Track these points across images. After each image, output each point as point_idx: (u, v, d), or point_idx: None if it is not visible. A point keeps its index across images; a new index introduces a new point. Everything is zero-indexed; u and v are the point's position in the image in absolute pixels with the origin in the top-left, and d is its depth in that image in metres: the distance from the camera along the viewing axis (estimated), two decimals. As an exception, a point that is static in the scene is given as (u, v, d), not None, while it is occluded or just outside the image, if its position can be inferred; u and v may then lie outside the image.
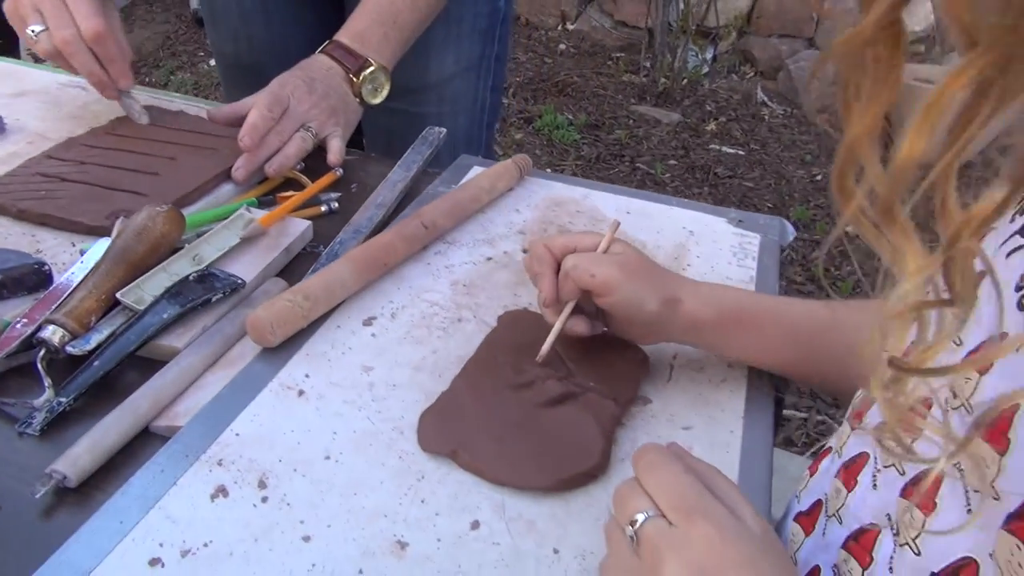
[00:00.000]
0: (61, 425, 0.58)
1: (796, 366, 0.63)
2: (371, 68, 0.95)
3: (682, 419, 0.62)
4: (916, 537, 0.39)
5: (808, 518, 0.51)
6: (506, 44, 1.21)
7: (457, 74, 1.13)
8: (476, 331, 0.69)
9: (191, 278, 0.69)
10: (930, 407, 0.40)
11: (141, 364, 0.64)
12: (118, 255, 0.69)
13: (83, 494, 0.54)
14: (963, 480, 0.37)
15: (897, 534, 0.41)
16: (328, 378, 0.62)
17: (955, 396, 0.39)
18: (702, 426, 0.61)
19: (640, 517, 0.42)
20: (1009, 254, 0.41)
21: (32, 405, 0.59)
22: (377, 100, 0.98)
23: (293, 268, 0.78)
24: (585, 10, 3.83)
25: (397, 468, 0.55)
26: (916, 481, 0.41)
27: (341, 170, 0.94)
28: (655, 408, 0.63)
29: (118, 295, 0.66)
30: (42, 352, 0.62)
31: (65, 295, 0.66)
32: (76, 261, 0.71)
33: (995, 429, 0.36)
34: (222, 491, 0.52)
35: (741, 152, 3.00)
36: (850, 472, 0.47)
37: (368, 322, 0.69)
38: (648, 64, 3.35)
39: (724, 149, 3.01)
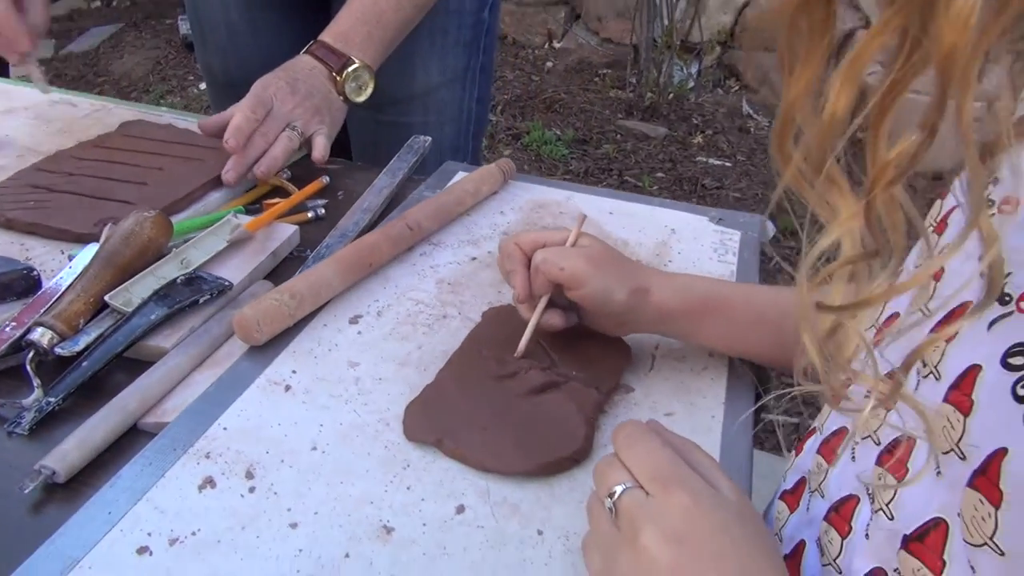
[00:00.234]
0: (50, 424, 0.59)
1: (767, 351, 0.64)
2: (354, 66, 0.96)
3: (664, 406, 0.63)
4: (889, 502, 0.40)
5: (793, 496, 0.52)
6: (491, 56, 1.22)
7: (443, 84, 1.15)
8: (461, 327, 0.70)
9: (179, 281, 0.70)
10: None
11: (129, 365, 0.64)
12: (106, 259, 0.70)
13: (71, 490, 0.54)
14: (929, 454, 0.38)
15: (873, 500, 0.41)
16: (315, 373, 0.63)
17: (924, 365, 0.40)
18: (684, 412, 0.62)
19: (618, 489, 0.42)
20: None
21: (21, 405, 0.59)
22: (361, 98, 0.99)
23: (280, 272, 0.79)
24: (571, 28, 3.87)
25: (383, 457, 0.56)
26: (890, 449, 0.42)
27: (328, 177, 0.96)
28: (637, 396, 0.64)
29: (106, 298, 0.67)
30: (31, 354, 0.62)
31: (54, 299, 0.67)
32: (65, 266, 0.72)
33: (959, 391, 0.37)
34: (210, 482, 0.53)
35: (728, 163, 3.03)
36: (830, 446, 0.48)
37: (354, 320, 0.70)
38: (634, 80, 3.38)
39: (711, 161, 3.04)
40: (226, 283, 0.71)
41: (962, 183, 0.32)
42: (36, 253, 0.77)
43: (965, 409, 0.36)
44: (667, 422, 0.61)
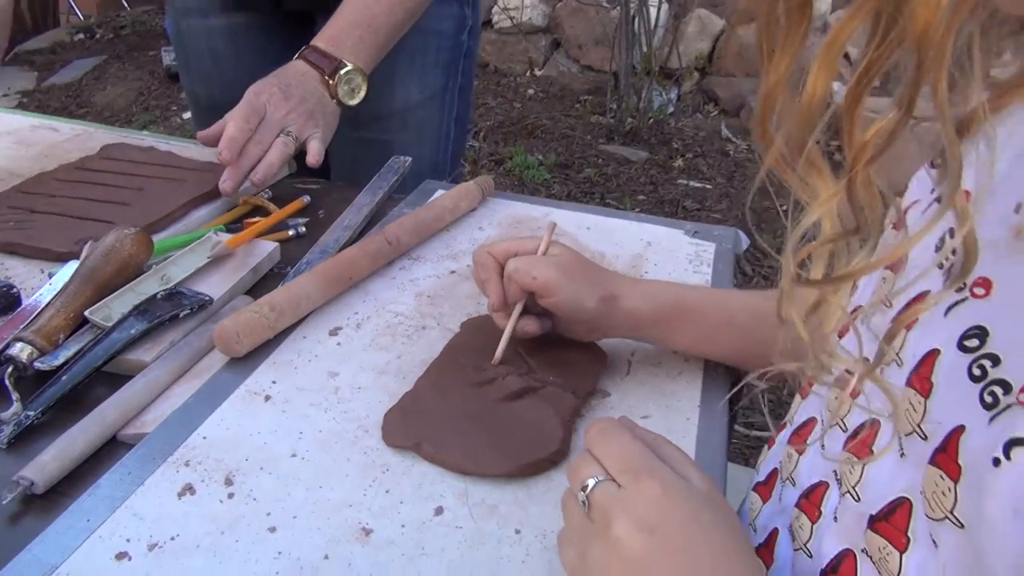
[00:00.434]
0: (29, 438, 0.59)
1: (739, 353, 0.65)
2: (346, 69, 0.96)
3: (640, 409, 0.64)
4: (856, 485, 0.41)
5: (765, 487, 0.53)
6: (469, 78, 1.24)
7: (422, 103, 1.17)
8: (440, 338, 0.71)
9: (159, 296, 0.71)
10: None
11: (109, 379, 0.65)
12: (86, 275, 0.70)
13: (50, 500, 0.54)
14: (895, 432, 0.39)
15: (840, 484, 0.43)
16: (294, 384, 0.64)
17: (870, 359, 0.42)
18: (660, 415, 0.63)
19: (591, 482, 0.43)
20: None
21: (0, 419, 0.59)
22: (354, 101, 0.99)
23: (261, 288, 0.80)
24: (552, 56, 3.93)
25: (362, 463, 0.56)
26: (856, 434, 0.43)
27: (308, 197, 0.97)
28: (614, 400, 0.64)
29: (86, 313, 0.68)
30: (10, 369, 0.63)
31: (34, 315, 0.67)
32: (45, 283, 0.73)
33: (920, 375, 0.38)
34: (189, 489, 0.53)
35: (708, 186, 3.07)
36: (800, 436, 0.49)
37: (334, 332, 0.71)
38: (615, 106, 3.43)
39: (692, 184, 3.08)
40: (206, 298, 0.72)
41: (930, 173, 0.33)
42: (16, 272, 0.78)
43: (925, 392, 0.37)
44: (643, 425, 0.62)
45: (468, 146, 3.21)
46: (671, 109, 3.52)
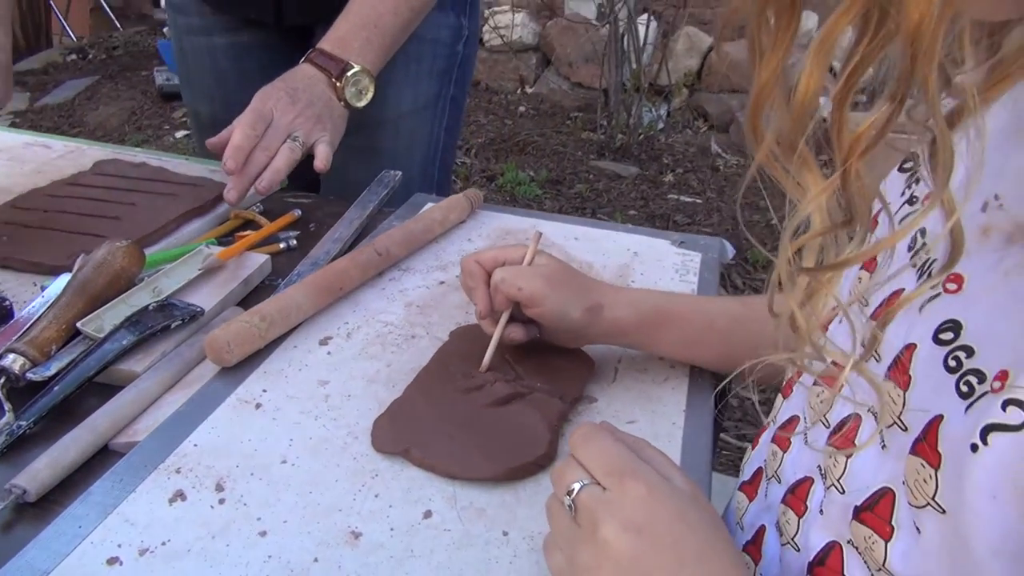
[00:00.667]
0: (21, 448, 0.60)
1: (718, 358, 0.67)
2: (353, 70, 0.96)
3: (627, 415, 0.64)
4: (840, 477, 0.42)
5: (751, 486, 0.54)
6: (463, 89, 1.24)
7: (414, 111, 1.17)
8: (429, 346, 0.72)
9: (150, 307, 0.72)
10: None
11: (101, 390, 0.65)
12: (78, 287, 0.71)
13: (42, 508, 0.55)
14: (877, 421, 0.40)
15: (825, 478, 0.44)
16: (285, 392, 0.65)
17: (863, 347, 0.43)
18: (646, 420, 0.64)
19: (576, 486, 0.44)
20: (901, 221, 0.46)
21: (-8, 429, 0.60)
22: (362, 103, 0.99)
23: (252, 300, 0.80)
24: (543, 74, 3.96)
25: (352, 468, 0.57)
26: (839, 429, 0.44)
27: (299, 211, 0.98)
28: (600, 406, 0.65)
29: (78, 324, 0.68)
30: (2, 379, 0.63)
31: (26, 327, 0.68)
32: (37, 296, 0.73)
33: (898, 369, 0.39)
34: (180, 495, 0.54)
35: (699, 200, 3.09)
36: (784, 434, 0.50)
37: (324, 341, 0.72)
38: (605, 122, 3.46)
39: (682, 198, 3.10)
40: (198, 309, 0.73)
41: (923, 157, 0.34)
42: (9, 285, 0.78)
43: (904, 385, 0.39)
44: (630, 430, 0.63)
45: (460, 163, 3.23)
46: (661, 125, 3.55)
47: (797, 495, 0.46)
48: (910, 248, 0.44)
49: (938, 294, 0.39)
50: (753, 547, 0.50)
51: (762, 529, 0.50)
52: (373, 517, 0.53)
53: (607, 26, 3.29)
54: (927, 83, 0.29)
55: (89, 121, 3.55)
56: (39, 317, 0.69)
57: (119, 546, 0.50)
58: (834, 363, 0.39)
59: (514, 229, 0.95)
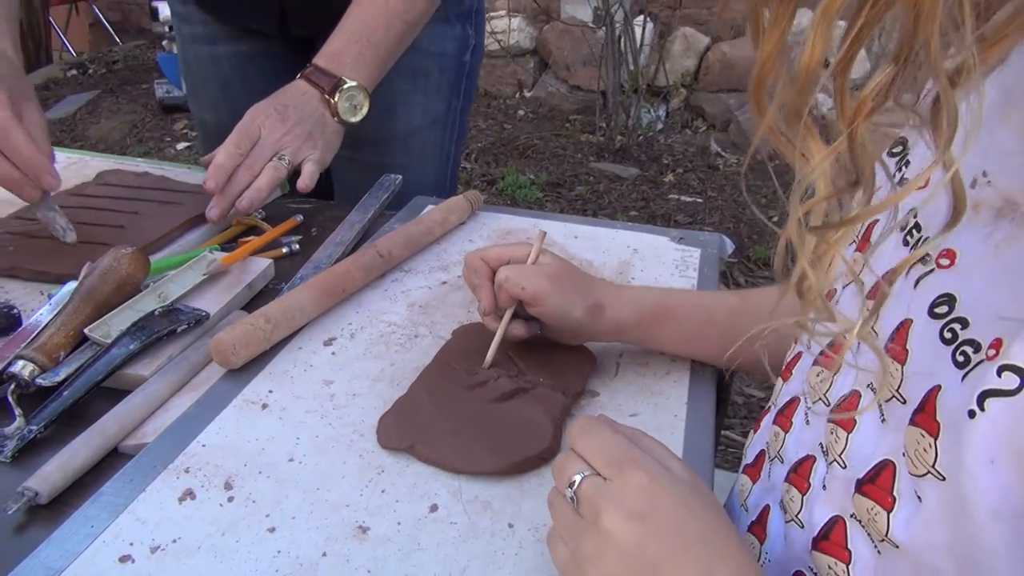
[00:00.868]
0: (32, 452, 0.61)
1: (718, 352, 0.67)
2: (346, 85, 0.95)
3: (629, 408, 0.65)
4: (842, 453, 0.43)
5: (754, 468, 0.55)
6: (470, 97, 1.24)
7: (424, 127, 1.17)
8: (432, 345, 0.72)
9: (156, 313, 0.72)
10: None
11: (109, 394, 0.66)
12: (85, 294, 0.72)
13: (54, 510, 0.56)
14: (876, 396, 0.41)
15: (827, 454, 0.44)
16: (291, 392, 0.65)
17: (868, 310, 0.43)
18: (648, 413, 0.65)
19: (577, 478, 0.44)
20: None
21: (3, 434, 0.61)
22: (356, 118, 0.97)
23: (256, 304, 0.81)
24: (541, 77, 3.98)
25: (358, 465, 0.58)
26: (839, 406, 0.45)
27: (301, 216, 0.99)
28: (603, 400, 0.66)
29: (86, 331, 0.69)
30: (13, 385, 0.64)
31: (34, 333, 0.69)
32: (44, 304, 0.74)
33: (895, 344, 0.40)
34: (189, 494, 0.55)
35: (699, 200, 3.10)
36: (785, 415, 0.51)
37: (328, 342, 0.72)
38: (604, 124, 3.47)
39: (683, 198, 3.11)
40: (203, 313, 0.74)
41: (922, 132, 0.34)
42: (16, 294, 0.79)
43: (902, 359, 0.40)
44: (632, 422, 0.63)
45: (460, 168, 3.24)
46: (660, 126, 3.57)
47: (800, 473, 0.47)
48: (902, 228, 0.45)
49: (931, 270, 0.40)
50: (758, 527, 0.50)
51: (766, 509, 0.50)
52: (380, 512, 0.54)
53: (603, 29, 3.30)
54: (929, 44, 0.30)
55: (91, 135, 3.57)
56: (47, 324, 0.70)
57: (131, 544, 0.51)
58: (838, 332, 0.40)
59: (514, 229, 0.96)
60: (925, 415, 0.37)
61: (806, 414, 0.49)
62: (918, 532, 0.36)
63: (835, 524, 0.42)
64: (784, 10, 0.34)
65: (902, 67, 0.31)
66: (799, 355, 0.53)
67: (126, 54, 4.54)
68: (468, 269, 0.68)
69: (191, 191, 1.00)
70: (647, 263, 0.89)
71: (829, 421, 0.45)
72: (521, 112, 3.82)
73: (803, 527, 0.45)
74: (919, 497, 0.36)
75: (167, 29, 3.32)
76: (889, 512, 0.38)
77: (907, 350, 0.39)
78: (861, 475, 0.40)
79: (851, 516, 0.41)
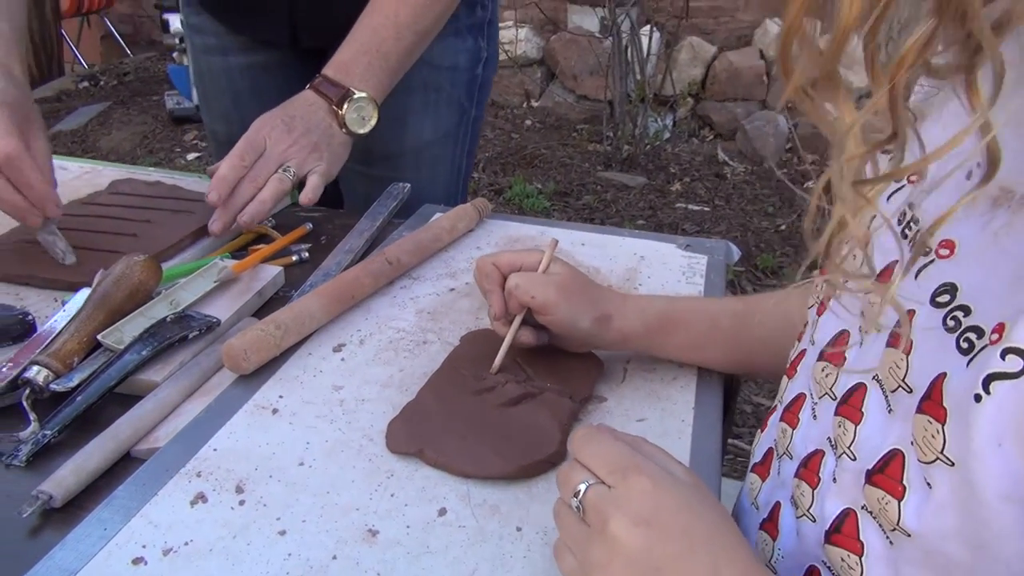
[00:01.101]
0: (46, 456, 0.61)
1: (725, 358, 0.68)
2: (355, 96, 0.94)
3: (636, 413, 0.66)
4: (850, 445, 0.43)
5: (763, 466, 0.55)
6: (482, 109, 1.23)
7: (435, 141, 1.16)
8: (440, 351, 0.73)
9: (168, 319, 0.73)
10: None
11: (122, 399, 0.67)
12: (98, 301, 0.73)
13: (68, 514, 0.56)
14: (882, 387, 0.42)
15: (836, 448, 0.45)
16: (301, 397, 0.66)
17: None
18: (655, 418, 0.65)
19: (582, 487, 0.45)
20: (889, 197, 0.47)
21: (18, 438, 0.62)
22: (364, 130, 0.96)
23: (267, 311, 0.82)
24: (548, 87, 3.99)
25: (367, 469, 0.58)
26: (846, 399, 0.45)
27: (311, 224, 1.00)
28: (610, 405, 0.67)
29: (99, 337, 0.70)
30: (27, 391, 0.65)
31: (49, 340, 0.70)
32: (58, 311, 0.75)
33: (900, 336, 0.41)
34: (201, 497, 0.55)
35: (707, 209, 3.10)
36: (792, 412, 0.52)
37: (338, 348, 0.73)
38: (611, 133, 3.48)
39: (690, 207, 3.11)
40: (214, 320, 0.74)
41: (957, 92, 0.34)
42: (31, 301, 0.80)
43: (907, 349, 0.40)
44: (640, 428, 0.64)
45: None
46: (667, 135, 3.57)
47: (810, 468, 0.47)
48: (900, 222, 0.45)
49: (932, 260, 0.41)
50: (770, 524, 0.51)
51: (777, 506, 0.51)
52: (389, 515, 0.54)
53: (610, 38, 3.32)
54: None
55: (102, 146, 3.60)
56: (61, 330, 0.71)
57: (143, 547, 0.51)
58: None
59: (522, 237, 0.97)
60: (932, 402, 0.37)
61: (813, 409, 0.49)
62: (929, 519, 0.37)
63: (847, 516, 0.43)
64: None
65: (940, 20, 0.31)
66: (803, 352, 0.54)
67: (137, 66, 4.58)
68: (480, 273, 0.68)
69: (202, 200, 1.01)
70: (654, 270, 0.89)
71: (836, 415, 0.45)
72: (528, 122, 3.84)
73: (815, 521, 0.45)
74: (929, 484, 0.37)
75: (178, 41, 3.36)
76: (900, 501, 0.39)
77: (911, 340, 0.40)
78: (871, 466, 0.41)
79: (862, 508, 0.42)
